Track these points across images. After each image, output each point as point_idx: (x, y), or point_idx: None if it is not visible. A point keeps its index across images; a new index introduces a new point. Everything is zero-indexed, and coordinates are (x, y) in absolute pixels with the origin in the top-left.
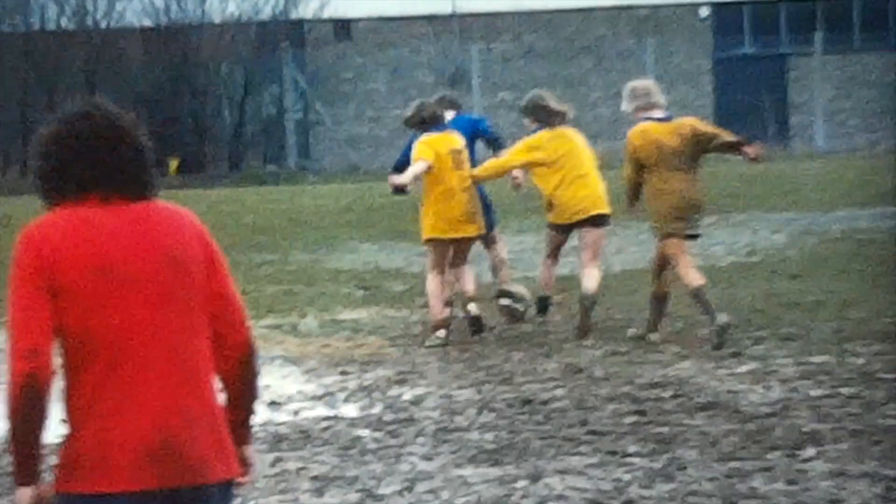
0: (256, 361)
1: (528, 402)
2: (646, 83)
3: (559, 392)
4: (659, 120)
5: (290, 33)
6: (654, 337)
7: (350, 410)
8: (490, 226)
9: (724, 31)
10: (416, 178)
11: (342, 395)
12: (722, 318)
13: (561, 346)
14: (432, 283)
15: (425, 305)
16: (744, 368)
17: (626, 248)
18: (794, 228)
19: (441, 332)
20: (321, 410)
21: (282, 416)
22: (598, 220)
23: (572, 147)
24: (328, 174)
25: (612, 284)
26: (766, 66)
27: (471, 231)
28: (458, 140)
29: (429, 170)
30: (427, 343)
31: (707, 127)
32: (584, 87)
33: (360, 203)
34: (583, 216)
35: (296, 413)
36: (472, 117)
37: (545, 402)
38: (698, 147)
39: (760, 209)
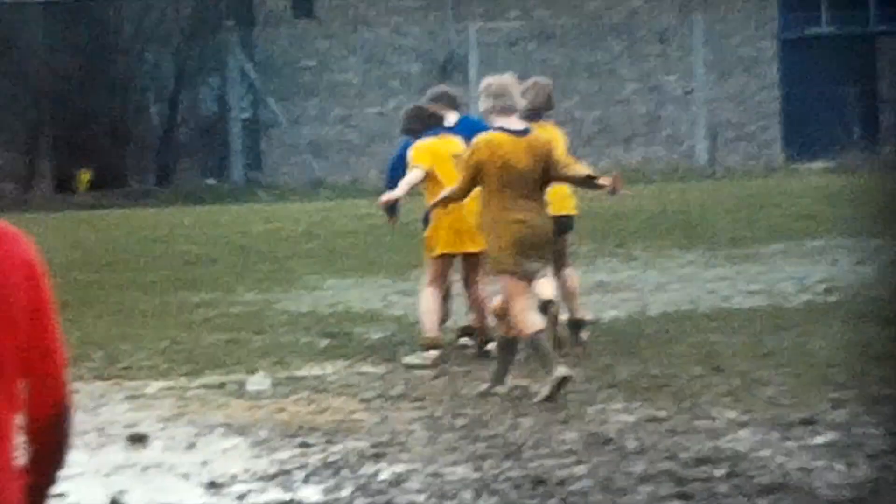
0: (69, 426)
1: (540, 482)
2: (503, 81)
3: (580, 469)
4: (514, 132)
5: (236, 9)
6: (500, 390)
7: (311, 494)
8: None
9: (794, 5)
10: (411, 188)
11: (301, 474)
12: (561, 370)
13: (582, 409)
14: (428, 299)
15: (409, 356)
16: (820, 440)
17: (667, 286)
18: (885, 259)
19: (431, 353)
20: (274, 494)
21: (224, 502)
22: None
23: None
24: (284, 190)
25: (649, 331)
26: (848, 48)
27: (481, 244)
28: (458, 144)
29: (428, 178)
30: (406, 360)
31: (561, 155)
32: (614, 78)
33: (324, 227)
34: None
35: (241, 498)
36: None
37: (562, 483)
38: (548, 175)
39: (842, 234)
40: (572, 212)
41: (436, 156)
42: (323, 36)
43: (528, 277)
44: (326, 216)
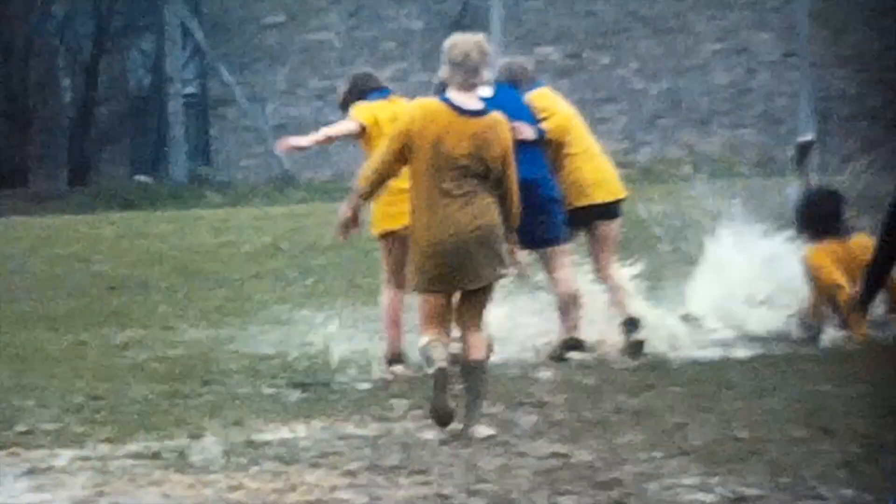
0: None
1: None
2: (466, 44)
3: None
4: (460, 109)
5: None
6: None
7: None
8: None
9: None
10: (331, 140)
11: None
12: (481, 430)
13: (644, 485)
14: (384, 300)
15: (408, 413)
16: None
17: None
18: None
19: (396, 368)
20: None
21: None
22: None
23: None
24: (242, 190)
25: (734, 378)
26: None
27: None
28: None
29: (365, 142)
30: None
31: (511, 155)
32: (686, 36)
33: (295, 239)
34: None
35: None
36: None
37: None
38: (499, 175)
39: None
40: (620, 195)
41: (377, 118)
42: None
43: (448, 296)
44: (298, 225)
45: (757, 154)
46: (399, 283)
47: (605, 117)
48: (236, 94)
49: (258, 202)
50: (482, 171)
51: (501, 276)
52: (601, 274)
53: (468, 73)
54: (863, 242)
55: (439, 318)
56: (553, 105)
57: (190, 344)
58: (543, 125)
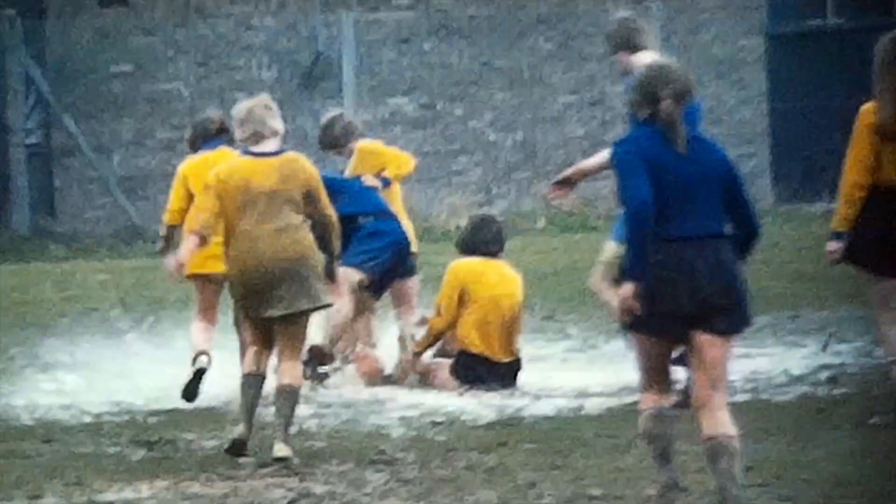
0: None
1: None
2: (249, 104)
3: None
4: (259, 154)
5: None
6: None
7: None
8: None
9: None
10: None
11: None
12: (280, 449)
13: None
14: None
15: (256, 472)
16: None
17: (611, 370)
18: None
19: (203, 359)
20: None
21: None
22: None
23: None
24: (87, 243)
25: (587, 434)
26: (855, 45)
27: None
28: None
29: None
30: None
31: (319, 185)
32: (541, 87)
33: (143, 293)
34: None
35: None
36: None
37: None
38: (310, 200)
39: (850, 302)
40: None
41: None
42: (142, 31)
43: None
44: (145, 279)
45: (612, 209)
46: (208, 318)
47: (460, 169)
48: (81, 144)
49: (104, 255)
50: (289, 197)
51: (314, 307)
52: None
53: (257, 128)
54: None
55: (258, 344)
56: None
57: (30, 400)
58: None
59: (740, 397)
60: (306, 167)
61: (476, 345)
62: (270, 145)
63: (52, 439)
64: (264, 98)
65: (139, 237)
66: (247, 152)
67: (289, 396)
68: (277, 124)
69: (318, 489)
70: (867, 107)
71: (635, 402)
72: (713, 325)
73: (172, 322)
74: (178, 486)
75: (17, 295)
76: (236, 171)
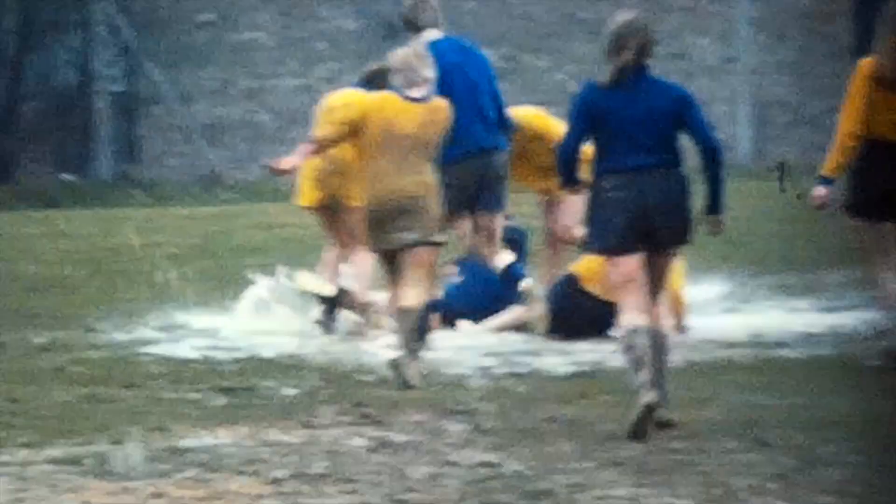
0: None
1: None
2: (404, 54)
3: None
4: (407, 98)
5: None
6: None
7: None
8: None
9: None
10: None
11: None
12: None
13: (574, 495)
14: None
15: (336, 420)
16: None
17: (694, 323)
18: None
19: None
20: None
21: None
22: None
23: None
24: (168, 190)
25: (666, 387)
26: None
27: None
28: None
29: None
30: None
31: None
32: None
33: (222, 241)
34: None
35: None
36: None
37: None
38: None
39: None
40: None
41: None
42: None
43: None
44: (226, 226)
45: (695, 160)
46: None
47: None
48: (165, 92)
49: (185, 202)
50: (430, 143)
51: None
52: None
53: (411, 76)
54: None
55: (387, 272)
56: None
57: (111, 347)
58: None
59: (824, 349)
60: (448, 115)
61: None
62: (420, 91)
63: (133, 385)
64: (417, 47)
65: (220, 185)
66: (394, 91)
67: (413, 315)
68: (429, 72)
69: (398, 438)
70: (865, 59)
71: (716, 356)
72: (658, 240)
73: (251, 269)
74: (258, 434)
75: (102, 240)
76: (383, 108)
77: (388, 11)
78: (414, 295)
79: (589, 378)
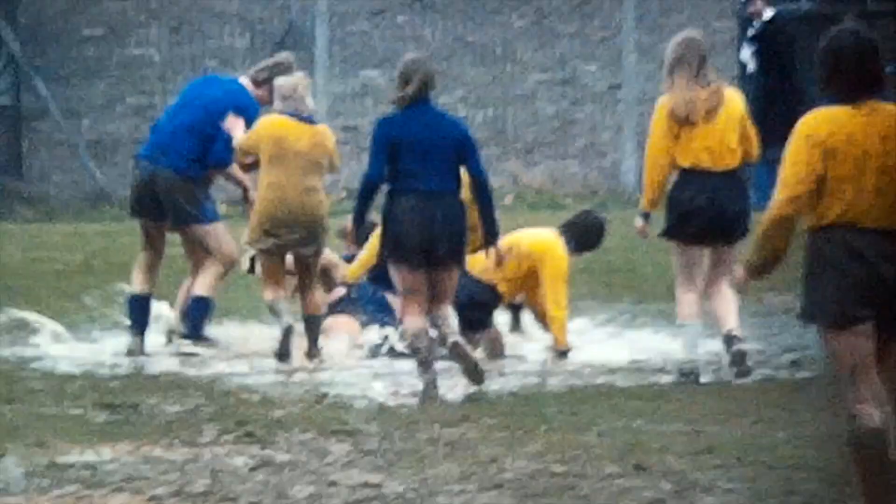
0: None
1: None
2: (292, 81)
3: None
4: (297, 118)
5: None
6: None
7: None
8: None
9: None
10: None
11: None
12: None
13: None
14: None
15: (219, 438)
16: None
17: (577, 351)
18: None
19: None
20: None
21: None
22: None
23: None
24: (53, 206)
25: (549, 412)
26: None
27: None
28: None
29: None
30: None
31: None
32: (513, 64)
33: (108, 257)
34: None
35: None
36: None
37: None
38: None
39: None
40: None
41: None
42: None
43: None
44: (112, 243)
45: (580, 187)
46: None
47: None
48: (51, 107)
49: (70, 219)
50: (315, 161)
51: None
52: None
53: (297, 105)
54: None
55: (274, 279)
56: None
57: None
58: None
59: (704, 377)
60: (332, 140)
61: None
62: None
63: (14, 400)
64: (303, 77)
65: (105, 202)
66: (285, 113)
67: (315, 321)
68: (310, 103)
69: (280, 457)
70: (663, 98)
71: (597, 382)
72: (439, 256)
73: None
74: (140, 450)
75: None
76: (276, 126)
77: (276, 30)
78: (318, 302)
79: (472, 401)
